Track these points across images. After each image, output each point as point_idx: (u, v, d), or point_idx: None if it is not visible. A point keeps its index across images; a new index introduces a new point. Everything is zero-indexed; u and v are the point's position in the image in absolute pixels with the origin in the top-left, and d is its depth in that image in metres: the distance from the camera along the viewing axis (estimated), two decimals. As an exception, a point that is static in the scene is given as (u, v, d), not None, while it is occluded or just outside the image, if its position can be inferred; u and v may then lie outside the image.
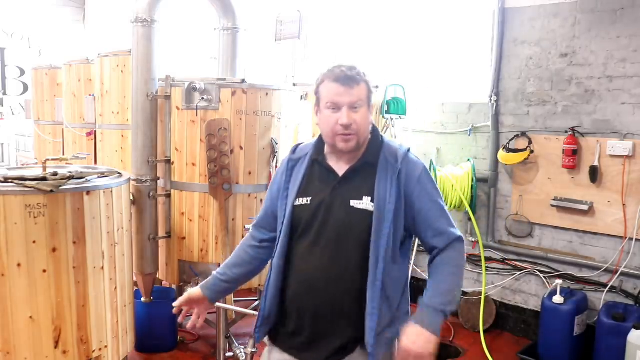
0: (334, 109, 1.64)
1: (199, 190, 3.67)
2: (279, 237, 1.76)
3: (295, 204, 1.73)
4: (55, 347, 2.82)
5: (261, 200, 3.77)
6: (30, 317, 2.75)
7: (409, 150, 1.78)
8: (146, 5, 3.66)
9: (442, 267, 1.71)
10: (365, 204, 1.66)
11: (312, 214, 1.70)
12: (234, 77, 4.33)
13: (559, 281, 3.80)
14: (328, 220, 1.69)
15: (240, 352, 3.49)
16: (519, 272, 4.29)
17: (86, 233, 2.86)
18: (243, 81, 3.64)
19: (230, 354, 3.59)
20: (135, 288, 3.73)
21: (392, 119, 4.57)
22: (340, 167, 1.74)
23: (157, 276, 3.96)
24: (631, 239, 3.69)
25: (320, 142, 1.79)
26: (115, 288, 3.11)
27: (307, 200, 1.72)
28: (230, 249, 3.64)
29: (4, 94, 8.34)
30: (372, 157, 1.72)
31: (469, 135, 4.51)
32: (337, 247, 1.67)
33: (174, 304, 1.94)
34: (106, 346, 3.05)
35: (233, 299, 3.81)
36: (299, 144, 1.89)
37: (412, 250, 4.69)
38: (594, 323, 3.72)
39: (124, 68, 4.34)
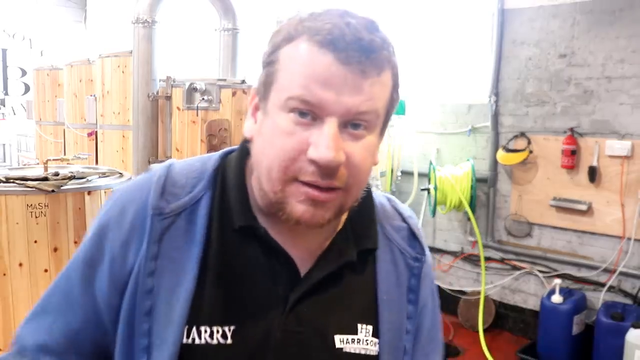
0: (304, 115, 0.71)
1: (199, 190, 3.69)
2: None
3: (192, 341, 0.75)
4: (57, 346, 2.84)
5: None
6: (32, 316, 2.77)
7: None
8: (147, 6, 3.68)
9: None
10: (362, 341, 0.81)
11: None
12: (234, 77, 4.35)
13: (557, 281, 3.81)
14: None
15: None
16: (518, 272, 4.31)
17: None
18: (243, 81, 3.66)
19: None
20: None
21: (391, 119, 4.59)
22: (299, 253, 0.81)
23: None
24: (629, 238, 3.70)
25: (241, 179, 0.82)
26: (116, 287, 3.13)
27: (225, 334, 0.76)
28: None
29: (6, 94, 8.37)
30: (367, 237, 0.85)
31: (469, 135, 4.53)
32: None
33: None
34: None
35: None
36: (169, 168, 0.83)
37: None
38: (592, 322, 3.73)
39: (125, 69, 4.36)
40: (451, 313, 4.69)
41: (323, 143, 0.69)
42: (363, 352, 0.81)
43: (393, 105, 0.80)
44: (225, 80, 3.73)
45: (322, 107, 0.70)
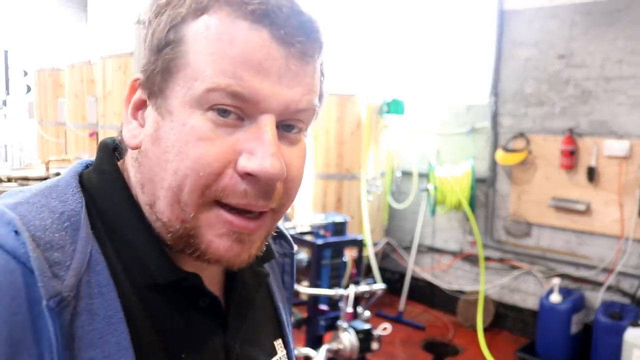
0: (228, 114, 0.53)
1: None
2: None
3: None
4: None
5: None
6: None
7: None
8: (149, 6, 3.70)
9: None
10: (282, 358, 0.73)
11: None
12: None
13: (556, 280, 3.83)
14: None
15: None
16: (517, 272, 4.33)
17: (89, 232, 2.89)
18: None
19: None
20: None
21: (391, 119, 4.62)
22: (211, 287, 0.63)
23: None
24: (628, 238, 3.72)
25: (134, 210, 0.59)
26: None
27: None
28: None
29: (8, 94, 8.40)
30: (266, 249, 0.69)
31: (468, 135, 4.55)
32: None
33: None
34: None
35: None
36: (15, 222, 0.51)
37: (411, 249, 4.73)
38: (591, 322, 3.75)
39: (126, 69, 4.38)
40: (450, 312, 4.71)
41: (264, 150, 0.52)
42: None
43: (322, 102, 0.60)
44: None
45: (257, 101, 0.52)
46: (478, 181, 4.39)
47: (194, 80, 0.52)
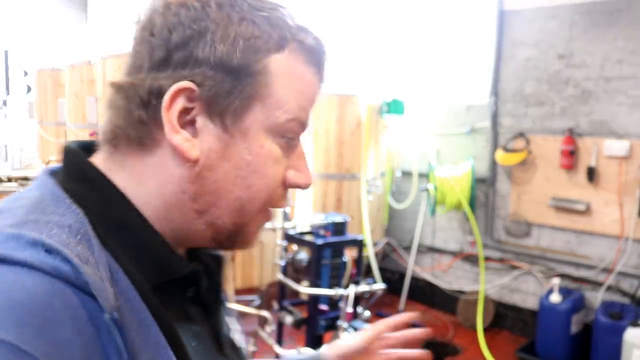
0: (292, 140, 0.65)
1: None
2: None
3: None
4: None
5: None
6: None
7: None
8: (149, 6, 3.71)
9: None
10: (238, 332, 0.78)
11: None
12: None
13: (556, 280, 3.83)
14: None
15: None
16: (517, 272, 4.33)
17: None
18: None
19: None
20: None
21: (391, 119, 4.62)
22: None
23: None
24: (627, 238, 3.72)
25: (136, 215, 0.60)
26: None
27: None
28: (231, 248, 3.69)
29: (8, 95, 8.40)
30: None
31: (468, 135, 4.55)
32: None
33: None
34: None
35: (234, 298, 3.85)
36: (43, 240, 0.50)
37: (411, 249, 4.73)
38: (591, 322, 3.75)
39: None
40: (450, 312, 4.71)
41: (307, 168, 0.66)
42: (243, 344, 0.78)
43: None
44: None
45: (305, 128, 0.65)
46: (478, 181, 4.39)
47: (277, 109, 0.60)
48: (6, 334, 0.43)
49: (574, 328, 3.74)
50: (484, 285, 4.31)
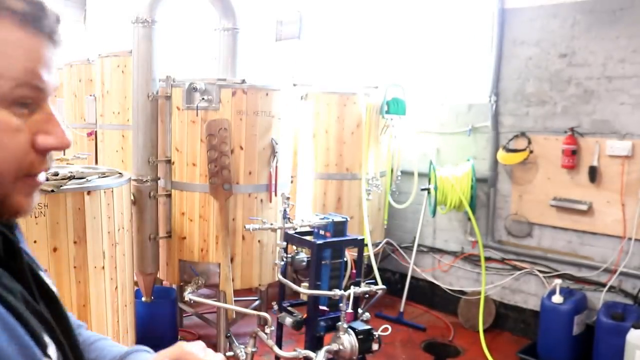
0: (26, 106, 0.65)
1: (199, 190, 3.68)
2: None
3: None
4: (56, 346, 2.82)
5: (261, 200, 3.78)
6: (31, 316, 2.76)
7: None
8: (147, 5, 3.67)
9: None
10: None
11: None
12: (234, 77, 4.35)
13: (558, 281, 3.81)
14: None
15: (241, 351, 3.50)
16: (519, 272, 4.30)
17: (87, 233, 2.87)
18: (243, 81, 3.65)
19: (230, 353, 3.60)
20: (136, 288, 3.74)
21: (392, 119, 4.59)
22: None
23: (158, 276, 3.97)
24: (630, 238, 3.70)
25: None
26: (116, 288, 3.12)
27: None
28: (230, 249, 3.66)
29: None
30: None
31: (469, 135, 4.52)
32: None
33: None
34: (107, 345, 3.06)
35: (233, 299, 3.83)
36: None
37: (412, 249, 4.71)
38: (593, 323, 3.73)
39: (125, 68, 4.35)
40: (451, 313, 4.68)
41: (59, 129, 0.67)
42: None
43: None
44: (225, 80, 3.72)
45: (45, 91, 0.66)
46: (479, 181, 4.37)
47: None
48: None
49: (576, 329, 3.71)
50: (485, 285, 4.28)
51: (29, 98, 0.64)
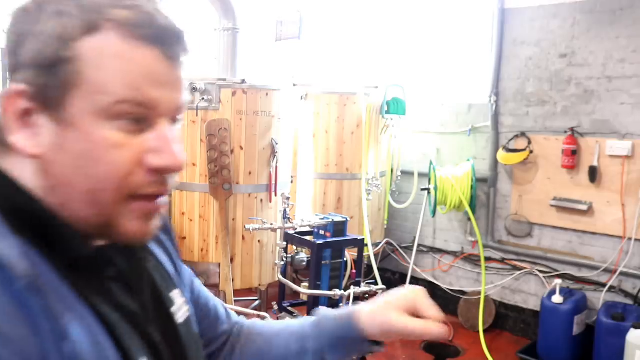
0: (137, 122, 0.62)
1: (199, 190, 3.69)
2: None
3: None
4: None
5: (261, 200, 3.78)
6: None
7: None
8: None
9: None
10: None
11: None
12: (234, 77, 4.35)
13: (558, 281, 3.81)
14: None
15: (240, 351, 3.50)
16: (519, 272, 4.30)
17: (87, 233, 2.87)
18: (243, 81, 3.65)
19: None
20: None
21: (392, 119, 4.59)
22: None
23: (158, 276, 3.97)
24: (630, 238, 3.70)
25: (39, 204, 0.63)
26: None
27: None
28: (230, 249, 3.66)
29: (5, 94, 8.36)
30: None
31: (469, 135, 4.52)
32: None
33: None
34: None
35: (233, 299, 3.83)
36: None
37: (412, 249, 4.71)
38: (593, 323, 3.73)
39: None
40: (451, 313, 4.68)
41: (171, 148, 0.63)
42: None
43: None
44: (225, 80, 3.72)
45: (156, 108, 0.62)
46: (479, 181, 4.36)
47: (96, 94, 0.59)
48: None
49: (576, 329, 3.71)
50: (485, 285, 4.28)
51: (134, 114, 0.61)
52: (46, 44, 0.59)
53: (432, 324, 0.84)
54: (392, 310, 0.85)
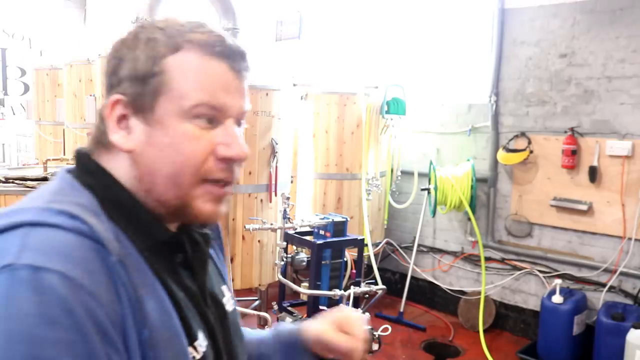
0: (210, 120, 0.78)
1: (199, 190, 3.68)
2: None
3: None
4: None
5: (261, 200, 3.78)
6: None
7: None
8: (147, 6, 3.68)
9: None
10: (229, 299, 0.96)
11: None
12: (234, 77, 4.34)
13: (558, 281, 3.81)
14: None
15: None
16: (519, 272, 4.30)
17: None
18: (243, 81, 3.65)
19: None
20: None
21: (392, 119, 4.59)
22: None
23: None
24: (630, 238, 3.70)
25: (130, 195, 0.79)
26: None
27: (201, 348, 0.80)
28: (230, 248, 3.65)
29: (5, 94, 8.36)
30: None
31: (469, 135, 4.52)
32: None
33: None
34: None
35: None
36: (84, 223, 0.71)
37: (412, 249, 4.71)
38: (593, 323, 3.73)
39: (125, 68, 4.35)
40: (451, 313, 4.68)
41: (237, 142, 0.79)
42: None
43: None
44: (225, 80, 3.72)
45: (225, 110, 0.78)
46: (479, 181, 4.36)
47: (179, 98, 0.76)
48: (56, 266, 0.64)
49: (576, 329, 3.71)
50: (485, 285, 4.28)
51: (208, 115, 0.77)
52: (141, 63, 0.77)
53: (351, 340, 0.97)
54: (327, 326, 1.00)
